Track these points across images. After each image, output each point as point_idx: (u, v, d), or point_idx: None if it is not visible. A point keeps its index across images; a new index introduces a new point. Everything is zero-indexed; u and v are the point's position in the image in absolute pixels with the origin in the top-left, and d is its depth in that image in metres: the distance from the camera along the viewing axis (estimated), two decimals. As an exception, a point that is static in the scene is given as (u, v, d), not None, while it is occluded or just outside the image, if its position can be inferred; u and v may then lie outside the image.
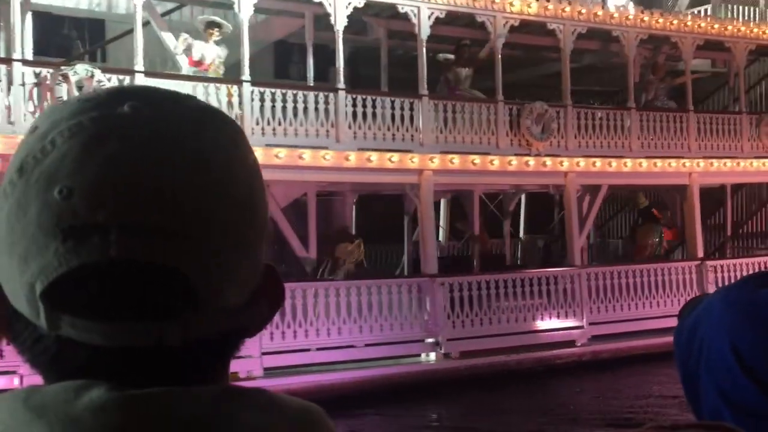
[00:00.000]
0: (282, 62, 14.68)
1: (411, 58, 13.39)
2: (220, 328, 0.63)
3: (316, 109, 11.79)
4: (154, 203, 0.60)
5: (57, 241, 0.60)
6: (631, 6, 14.60)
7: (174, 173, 0.61)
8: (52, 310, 0.61)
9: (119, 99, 0.64)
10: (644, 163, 14.52)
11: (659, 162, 14.67)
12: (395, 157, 12.34)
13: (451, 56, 13.92)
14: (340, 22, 11.94)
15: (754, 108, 17.54)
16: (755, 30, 15.96)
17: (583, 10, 13.96)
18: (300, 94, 11.76)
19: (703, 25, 15.36)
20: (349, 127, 12.06)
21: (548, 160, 13.63)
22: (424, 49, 12.63)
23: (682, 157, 14.95)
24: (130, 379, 0.60)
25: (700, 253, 15.28)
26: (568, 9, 13.82)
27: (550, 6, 13.63)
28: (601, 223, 19.22)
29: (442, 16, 12.73)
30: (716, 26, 15.48)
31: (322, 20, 12.55)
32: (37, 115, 9.31)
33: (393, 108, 12.44)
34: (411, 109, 12.62)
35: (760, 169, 15.78)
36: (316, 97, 11.88)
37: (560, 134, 13.73)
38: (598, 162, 14.09)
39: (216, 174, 0.62)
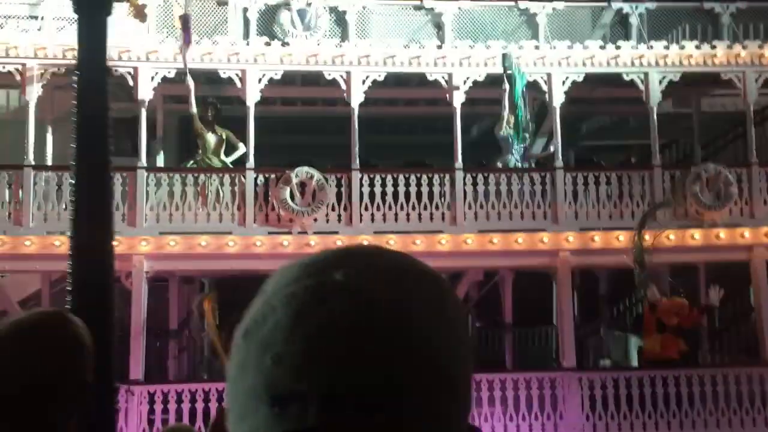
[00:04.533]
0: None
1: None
2: None
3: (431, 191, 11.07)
4: (354, 376, 0.61)
5: (266, 406, 0.62)
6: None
7: (375, 345, 0.62)
8: None
9: (336, 264, 0.65)
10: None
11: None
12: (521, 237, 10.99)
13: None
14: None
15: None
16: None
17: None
18: (413, 176, 11.10)
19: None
20: (470, 207, 11.11)
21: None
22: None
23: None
24: None
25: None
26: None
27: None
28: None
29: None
30: None
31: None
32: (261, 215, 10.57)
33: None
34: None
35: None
36: (431, 178, 11.13)
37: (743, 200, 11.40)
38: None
39: (419, 347, 0.63)
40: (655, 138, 11.63)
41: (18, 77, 10.89)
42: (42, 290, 11.73)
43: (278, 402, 0.61)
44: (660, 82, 11.64)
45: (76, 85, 5.37)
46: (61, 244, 10.73)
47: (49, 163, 11.86)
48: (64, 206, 10.85)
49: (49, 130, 12.11)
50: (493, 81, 11.70)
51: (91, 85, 5.36)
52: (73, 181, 5.28)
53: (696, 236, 11.31)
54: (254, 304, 0.67)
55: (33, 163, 10.90)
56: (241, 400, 0.64)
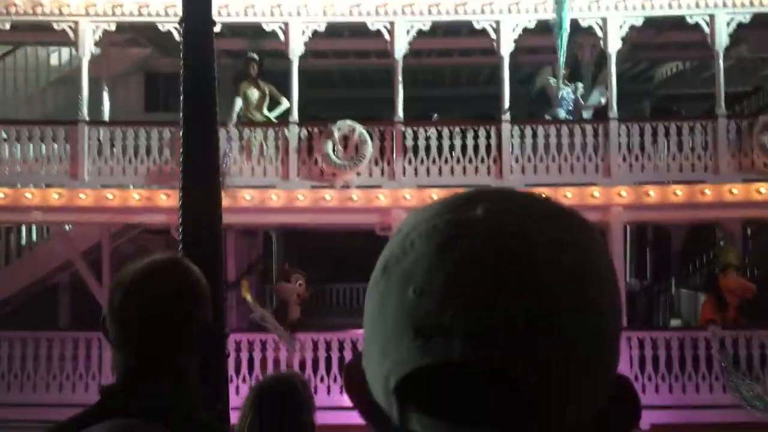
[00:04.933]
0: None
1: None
2: None
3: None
4: (497, 308, 0.59)
5: (409, 338, 0.61)
6: None
7: (518, 278, 0.60)
8: (403, 405, 0.62)
9: (474, 201, 0.64)
10: None
11: None
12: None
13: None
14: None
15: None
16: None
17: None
18: (457, 129, 10.76)
19: None
20: (517, 160, 10.75)
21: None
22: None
23: None
24: None
25: None
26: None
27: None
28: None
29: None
30: None
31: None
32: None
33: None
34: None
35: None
36: (476, 131, 10.74)
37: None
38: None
39: (562, 280, 0.60)
40: (720, 85, 10.86)
41: (71, 35, 11.19)
42: (102, 242, 12.18)
43: (422, 334, 0.60)
44: (728, 24, 10.80)
45: (182, 40, 5.60)
46: (114, 197, 11.11)
47: (106, 119, 12.22)
48: (116, 161, 11.21)
49: (105, 87, 12.45)
50: (547, 29, 11.19)
51: (197, 39, 5.44)
52: (182, 133, 5.43)
53: (762, 190, 10.56)
54: (390, 243, 0.65)
55: (87, 118, 11.24)
56: (384, 335, 0.62)
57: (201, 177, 5.35)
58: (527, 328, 0.58)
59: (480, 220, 0.62)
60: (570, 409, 0.59)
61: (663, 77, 15.73)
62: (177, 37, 11.04)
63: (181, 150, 5.47)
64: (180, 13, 11.18)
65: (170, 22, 11.01)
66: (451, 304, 0.59)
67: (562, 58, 10.37)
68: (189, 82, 5.42)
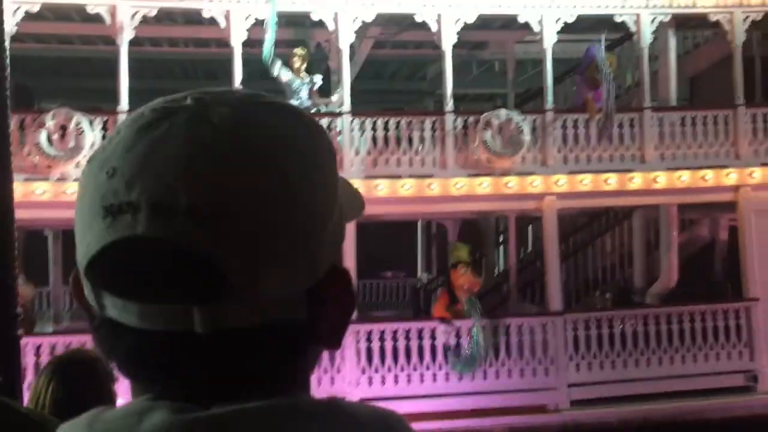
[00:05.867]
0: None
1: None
2: (258, 320, 0.61)
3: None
4: (185, 185, 0.60)
5: (99, 219, 0.61)
6: None
7: (209, 157, 0.61)
8: (96, 289, 0.62)
9: (191, 93, 0.65)
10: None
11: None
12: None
13: None
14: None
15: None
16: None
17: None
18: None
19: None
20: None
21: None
22: None
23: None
24: (183, 380, 0.61)
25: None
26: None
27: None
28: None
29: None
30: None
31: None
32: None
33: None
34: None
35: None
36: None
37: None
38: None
39: (254, 160, 0.61)
40: (446, 82, 11.18)
41: None
42: None
43: (110, 213, 0.61)
44: (455, 22, 11.12)
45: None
46: None
47: None
48: None
49: None
50: (293, 21, 11.10)
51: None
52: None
53: (485, 184, 11.02)
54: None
55: None
56: (81, 221, 0.63)
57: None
58: (213, 204, 0.59)
59: (187, 107, 0.63)
60: (262, 284, 0.60)
61: (433, 76, 16.08)
62: None
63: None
64: None
65: None
66: (139, 181, 0.60)
67: (268, 51, 10.25)
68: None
